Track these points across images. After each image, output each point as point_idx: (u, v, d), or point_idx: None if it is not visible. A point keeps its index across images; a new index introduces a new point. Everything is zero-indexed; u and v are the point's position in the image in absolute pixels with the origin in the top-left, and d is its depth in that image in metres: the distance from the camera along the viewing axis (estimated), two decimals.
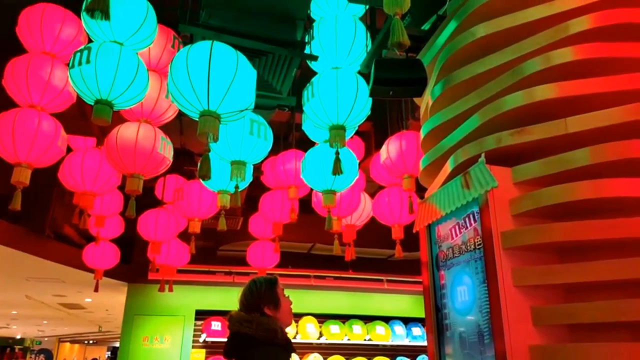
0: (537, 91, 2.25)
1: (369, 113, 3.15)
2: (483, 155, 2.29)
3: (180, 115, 3.50)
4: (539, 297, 2.10)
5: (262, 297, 2.14)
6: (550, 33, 2.34)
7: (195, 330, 7.95)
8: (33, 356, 25.19)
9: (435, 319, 2.55)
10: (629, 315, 1.86)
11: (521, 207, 2.19)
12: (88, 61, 2.73)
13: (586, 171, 2.08)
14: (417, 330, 8.47)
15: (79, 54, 2.77)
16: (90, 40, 3.08)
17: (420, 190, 3.41)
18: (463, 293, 2.32)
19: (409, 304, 8.75)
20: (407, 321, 8.60)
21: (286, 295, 2.23)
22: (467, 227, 2.34)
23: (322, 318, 8.23)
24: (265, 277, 2.25)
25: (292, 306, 2.24)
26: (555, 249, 2.17)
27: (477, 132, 2.44)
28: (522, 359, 1.99)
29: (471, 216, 2.31)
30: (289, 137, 5.28)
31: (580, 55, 2.22)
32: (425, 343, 8.52)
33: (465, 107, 2.56)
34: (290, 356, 2.12)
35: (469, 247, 2.31)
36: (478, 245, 2.24)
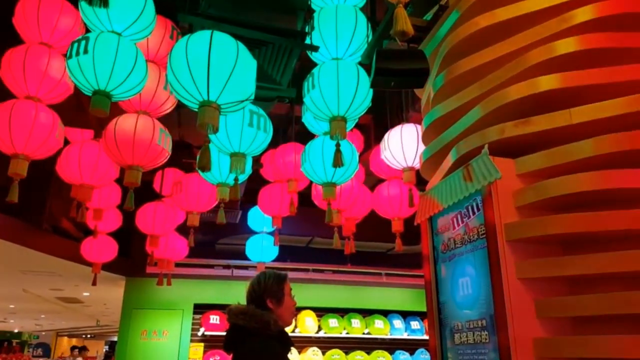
0: (541, 82, 2.22)
1: (370, 105, 3.13)
2: (486, 146, 2.26)
3: (179, 107, 3.46)
4: (543, 289, 2.08)
5: (268, 289, 2.17)
6: (554, 23, 2.31)
7: (193, 324, 7.94)
8: (31, 350, 25.20)
9: (437, 313, 2.53)
10: (633, 307, 1.84)
11: (525, 199, 2.17)
12: (86, 51, 2.68)
13: (591, 162, 2.06)
14: (415, 324, 8.46)
15: (76, 44, 2.73)
16: (88, 31, 3.03)
17: (421, 183, 3.39)
18: (465, 285, 2.30)
19: (408, 297, 8.75)
20: (405, 315, 8.57)
21: (292, 295, 2.24)
22: (469, 217, 2.32)
23: (320, 312, 8.22)
24: (276, 271, 2.27)
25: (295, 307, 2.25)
26: (559, 241, 2.15)
27: (479, 124, 2.42)
28: (526, 352, 1.98)
29: (474, 205, 2.29)
30: (289, 129, 5.25)
31: (585, 46, 2.20)
32: (423, 337, 8.57)
33: (468, 99, 2.54)
34: (286, 348, 2.12)
35: (471, 238, 2.29)
36: (481, 234, 2.22)
